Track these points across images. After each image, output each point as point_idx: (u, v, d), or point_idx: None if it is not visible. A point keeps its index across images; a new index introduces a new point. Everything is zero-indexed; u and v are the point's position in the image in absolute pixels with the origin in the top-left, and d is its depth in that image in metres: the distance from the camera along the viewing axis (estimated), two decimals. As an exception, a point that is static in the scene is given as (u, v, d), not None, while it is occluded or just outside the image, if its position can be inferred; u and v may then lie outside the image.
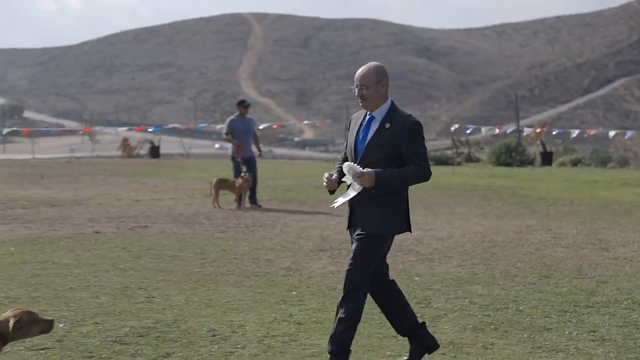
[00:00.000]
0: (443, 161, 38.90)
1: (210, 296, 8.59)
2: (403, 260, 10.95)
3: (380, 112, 5.82)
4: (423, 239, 12.86)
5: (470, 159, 40.46)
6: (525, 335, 7.04)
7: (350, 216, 5.96)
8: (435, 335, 6.97)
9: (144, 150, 47.62)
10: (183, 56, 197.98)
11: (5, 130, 54.42)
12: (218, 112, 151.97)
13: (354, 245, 5.80)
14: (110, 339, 6.78)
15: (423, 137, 5.83)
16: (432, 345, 6.10)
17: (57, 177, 27.28)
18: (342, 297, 5.79)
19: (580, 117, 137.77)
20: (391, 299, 6.10)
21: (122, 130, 49.19)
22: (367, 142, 5.79)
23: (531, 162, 36.48)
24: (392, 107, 5.85)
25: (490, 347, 6.68)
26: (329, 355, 5.82)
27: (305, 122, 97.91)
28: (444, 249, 11.87)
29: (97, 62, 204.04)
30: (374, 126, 5.80)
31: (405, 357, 6.10)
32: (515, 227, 14.33)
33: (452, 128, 37.46)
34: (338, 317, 5.80)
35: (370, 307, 8.07)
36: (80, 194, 20.59)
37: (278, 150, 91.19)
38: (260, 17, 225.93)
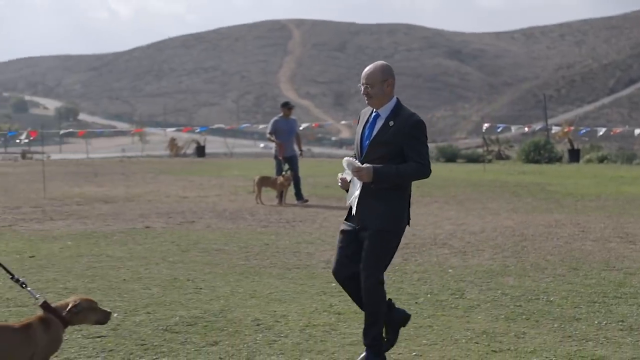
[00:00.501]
0: (474, 159, 38.66)
1: (255, 287, 8.60)
2: (437, 253, 10.89)
3: (385, 110, 5.73)
4: (456, 233, 12.78)
5: (500, 156, 40.17)
6: (555, 325, 6.97)
7: (351, 211, 5.84)
8: (469, 325, 6.94)
9: (191, 149, 47.86)
10: (227, 60, 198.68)
11: (62, 132, 54.92)
12: (260, 113, 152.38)
13: (365, 244, 5.69)
14: (161, 327, 6.81)
15: (425, 136, 5.70)
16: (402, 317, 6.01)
17: (109, 175, 27.50)
18: (364, 294, 5.73)
19: (606, 115, 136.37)
20: (356, 291, 5.88)
21: (170, 130, 49.44)
22: (371, 139, 5.71)
23: (559, 159, 36.12)
24: (398, 105, 5.75)
25: (522, 336, 6.62)
26: (365, 347, 5.80)
27: (342, 122, 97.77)
28: (477, 243, 11.79)
29: (147, 67, 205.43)
30: (379, 123, 5.72)
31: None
32: (545, 222, 14.20)
33: (483, 127, 37.21)
34: (365, 312, 5.78)
35: (407, 298, 8.06)
36: (132, 191, 20.73)
37: (316, 149, 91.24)
38: (299, 23, 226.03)
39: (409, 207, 5.84)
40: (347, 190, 5.88)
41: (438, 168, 32.27)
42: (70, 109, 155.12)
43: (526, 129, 41.80)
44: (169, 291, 8.33)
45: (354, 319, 7.12)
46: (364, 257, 5.70)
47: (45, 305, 4.95)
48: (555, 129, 41.35)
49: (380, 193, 5.62)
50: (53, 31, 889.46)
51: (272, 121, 18.10)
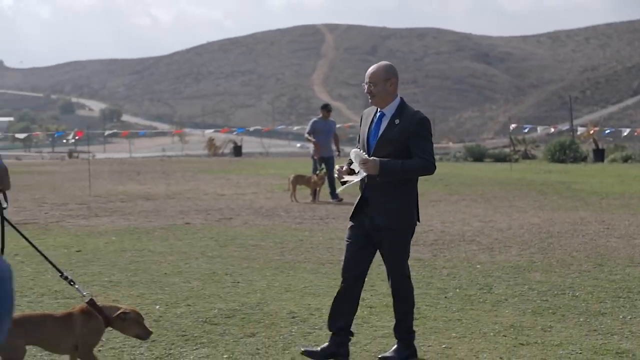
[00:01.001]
0: (501, 158, 38.41)
1: (290, 282, 8.61)
2: (465, 249, 10.83)
3: (390, 109, 5.68)
4: (484, 230, 12.71)
5: (526, 156, 39.83)
6: (581, 319, 6.91)
7: (360, 208, 5.75)
8: (497, 319, 6.90)
9: (228, 149, 48.02)
10: (262, 64, 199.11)
11: (107, 132, 55.42)
12: (294, 114, 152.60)
13: (384, 245, 5.68)
14: (200, 319, 6.85)
15: (430, 133, 5.64)
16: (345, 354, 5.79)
17: (151, 173, 27.69)
18: (395, 292, 5.76)
19: (630, 116, 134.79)
20: (354, 296, 5.82)
21: (209, 131, 49.71)
22: (378, 137, 5.65)
23: (584, 159, 35.76)
24: (402, 104, 5.69)
25: (549, 329, 6.57)
26: (396, 340, 5.80)
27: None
28: (504, 239, 11.71)
29: (186, 70, 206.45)
30: (385, 122, 5.66)
31: (323, 347, 5.79)
32: (570, 219, 14.07)
33: (511, 127, 36.97)
34: (399, 309, 5.79)
35: (437, 293, 8.02)
36: (172, 189, 20.86)
37: (347, 149, 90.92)
38: (332, 28, 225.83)
39: (418, 203, 5.79)
40: (344, 183, 5.85)
41: (466, 167, 32.12)
42: (114, 110, 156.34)
43: (552, 129, 41.43)
44: (208, 284, 8.37)
45: (386, 312, 7.11)
46: (387, 259, 5.74)
47: (91, 303, 4.99)
48: (580, 130, 40.98)
49: (390, 191, 5.57)
50: (98, 37, 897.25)
51: (311, 122, 18.15)
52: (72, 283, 5.10)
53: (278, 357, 5.81)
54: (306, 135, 18.24)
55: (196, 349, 6.00)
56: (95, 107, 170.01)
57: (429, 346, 6.07)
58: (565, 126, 45.64)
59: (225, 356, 5.80)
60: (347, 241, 5.84)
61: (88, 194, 18.90)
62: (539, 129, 38.80)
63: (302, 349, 5.76)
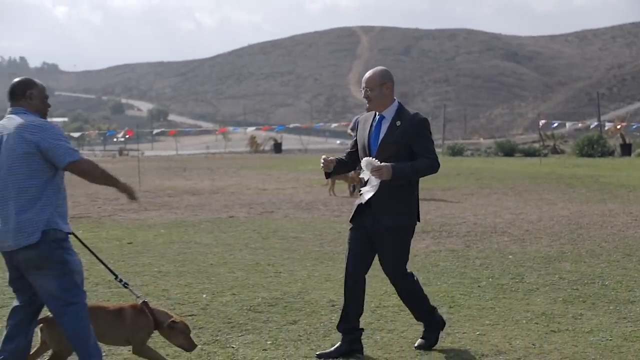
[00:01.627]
0: (531, 153, 37.99)
1: (329, 272, 8.61)
2: (497, 240, 10.74)
3: (389, 112, 5.56)
4: (515, 222, 12.59)
5: (555, 150, 39.34)
6: (611, 307, 6.82)
7: (361, 210, 5.56)
8: (529, 307, 6.83)
9: (269, 146, 48.11)
10: (301, 65, 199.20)
11: (155, 131, 55.89)
12: (330, 112, 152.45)
13: (383, 242, 5.51)
14: (245, 307, 6.87)
15: (430, 132, 5.55)
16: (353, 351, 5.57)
17: (196, 170, 27.85)
18: (393, 285, 5.66)
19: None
20: (359, 297, 5.61)
21: (250, 129, 49.72)
22: (380, 139, 5.52)
23: (611, 153, 35.23)
24: (400, 107, 5.58)
25: (580, 317, 6.49)
26: (422, 332, 5.75)
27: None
28: (534, 231, 11.59)
29: (228, 71, 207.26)
30: (385, 125, 5.54)
31: (335, 349, 5.57)
32: (599, 211, 13.89)
33: (540, 123, 36.58)
34: (409, 307, 5.75)
35: (470, 282, 7.97)
36: (216, 184, 20.96)
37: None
38: (367, 30, 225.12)
39: (419, 204, 5.66)
40: (327, 175, 5.84)
41: (497, 162, 31.84)
42: (161, 110, 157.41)
43: (580, 124, 40.92)
44: (252, 274, 8.39)
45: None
46: (385, 257, 5.55)
47: (145, 305, 5.03)
48: (607, 125, 40.42)
49: (393, 193, 5.44)
50: (146, 41, 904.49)
51: (354, 119, 18.11)
52: (126, 286, 5.11)
53: (319, 343, 5.81)
54: (349, 130, 18.24)
55: (241, 335, 6.03)
56: (144, 107, 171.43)
57: (463, 333, 6.03)
58: (593, 122, 45.02)
59: (269, 342, 5.81)
60: (349, 243, 5.66)
61: (138, 189, 19.02)
62: (568, 124, 38.28)
63: (317, 353, 5.55)
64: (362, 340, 5.64)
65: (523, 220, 12.76)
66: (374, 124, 5.61)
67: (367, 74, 5.60)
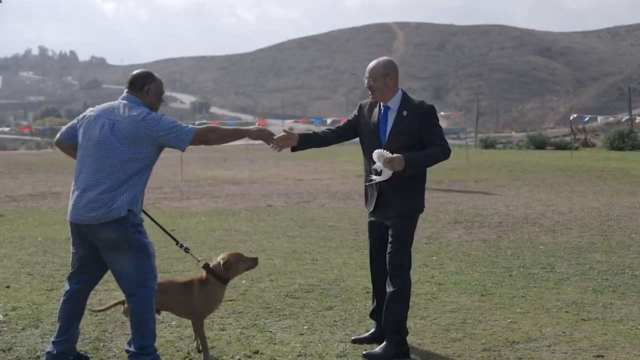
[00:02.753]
0: (562, 146, 37.61)
1: (364, 260, 8.57)
2: (529, 231, 10.64)
3: (394, 102, 5.32)
4: (546, 213, 12.46)
5: (586, 144, 38.85)
6: (640, 298, 6.71)
7: (378, 200, 5.38)
8: (559, 296, 6.76)
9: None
10: (338, 60, 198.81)
11: (197, 123, 56.31)
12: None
13: (390, 230, 5.28)
14: (283, 293, 6.89)
15: (437, 118, 5.31)
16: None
17: (236, 160, 27.97)
18: (389, 276, 5.27)
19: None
20: (383, 289, 5.40)
21: (288, 122, 49.82)
22: (389, 131, 5.27)
23: (642, 147, 34.75)
24: (405, 96, 5.33)
25: (609, 306, 6.40)
26: (386, 334, 5.24)
27: (441, 113, 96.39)
28: (565, 222, 11.46)
29: (268, 66, 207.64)
30: (392, 116, 5.30)
31: (370, 334, 5.47)
32: (629, 203, 13.69)
33: (571, 117, 36.15)
34: (388, 296, 5.24)
35: (502, 271, 7.90)
36: (255, 174, 21.04)
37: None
38: (403, 26, 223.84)
39: (424, 191, 5.43)
40: (292, 149, 5.65)
41: (528, 154, 31.53)
42: (203, 103, 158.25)
43: (611, 118, 40.35)
44: (289, 262, 8.41)
45: (453, 289, 7.04)
46: (390, 243, 5.28)
47: (205, 267, 5.09)
48: (638, 119, 39.80)
49: (403, 182, 5.21)
50: (189, 36, 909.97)
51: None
52: (187, 250, 5.28)
53: (354, 328, 5.80)
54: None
55: (279, 320, 6.04)
56: (186, 100, 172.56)
57: (495, 321, 5.98)
58: (624, 116, 44.33)
59: (305, 327, 5.82)
60: (369, 237, 5.57)
61: (180, 179, 19.20)
62: (599, 118, 37.78)
63: (352, 338, 5.48)
64: None
65: (554, 212, 12.62)
66: (380, 115, 5.37)
67: (371, 64, 5.37)
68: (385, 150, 5.17)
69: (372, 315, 5.60)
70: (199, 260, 5.17)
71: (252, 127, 5.08)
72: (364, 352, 5.15)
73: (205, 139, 4.81)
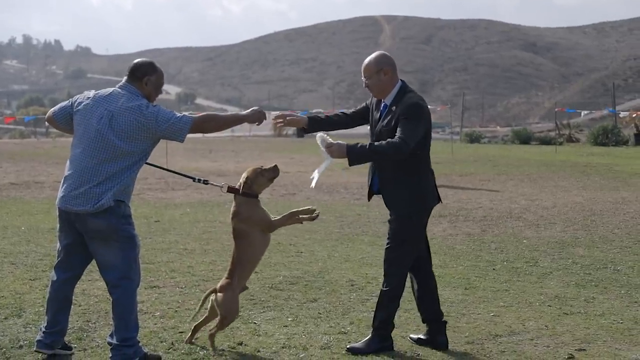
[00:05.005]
0: (546, 141, 37.77)
1: (349, 252, 8.61)
2: (512, 225, 10.69)
3: (389, 98, 5.11)
4: (530, 208, 12.52)
5: (570, 139, 39.04)
6: (623, 292, 6.76)
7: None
8: (542, 290, 6.81)
9: (291, 130, 48.12)
10: (324, 52, 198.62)
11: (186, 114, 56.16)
12: (352, 99, 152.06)
13: (389, 228, 5.20)
14: (267, 285, 6.89)
15: (418, 117, 4.94)
16: (442, 343, 5.19)
17: (222, 152, 27.92)
18: (384, 274, 5.19)
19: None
20: (426, 287, 5.33)
21: (274, 114, 49.79)
22: (377, 126, 5.14)
23: (625, 142, 34.94)
24: (400, 90, 5.10)
25: (592, 300, 6.45)
26: (371, 330, 5.15)
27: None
28: (549, 216, 11.52)
29: (254, 57, 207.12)
30: (384, 111, 5.12)
31: (421, 336, 5.31)
32: (612, 199, 13.78)
33: (555, 111, 36.34)
34: (380, 292, 5.18)
35: (485, 265, 7.94)
36: (241, 166, 20.99)
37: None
38: (390, 19, 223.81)
39: (434, 186, 5.19)
40: (303, 129, 5.43)
41: (513, 149, 31.65)
42: (189, 94, 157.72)
43: (597, 113, 40.60)
44: (274, 254, 8.40)
45: (438, 283, 7.04)
46: (389, 239, 5.16)
47: (230, 189, 5.20)
48: (623, 115, 40.04)
49: (398, 178, 5.08)
50: (175, 26, 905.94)
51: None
52: (206, 182, 5.42)
53: (338, 321, 5.81)
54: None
55: (263, 311, 6.04)
56: (172, 91, 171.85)
57: (478, 314, 6.01)
58: (608, 110, 44.58)
59: (289, 319, 5.83)
60: None
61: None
62: (583, 113, 37.97)
63: (410, 336, 5.33)
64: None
65: (538, 206, 12.68)
66: (381, 110, 5.21)
67: (365, 62, 5.16)
68: (326, 135, 5.04)
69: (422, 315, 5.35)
70: (222, 186, 5.24)
71: (246, 111, 5.03)
72: (347, 346, 5.13)
73: (202, 128, 4.80)
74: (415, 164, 5.08)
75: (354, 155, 4.91)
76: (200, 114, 4.88)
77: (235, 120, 4.97)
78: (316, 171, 5.25)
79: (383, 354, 5.03)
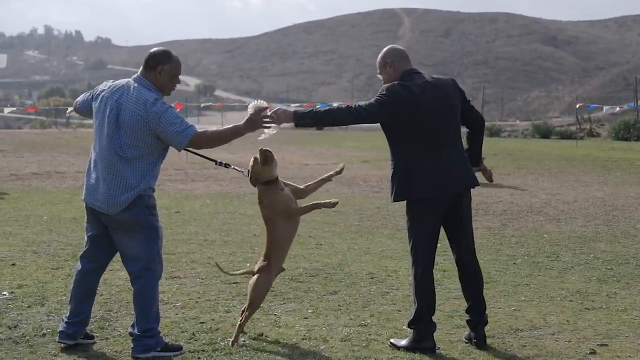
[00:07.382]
0: (567, 136, 37.51)
1: (368, 245, 8.60)
2: (533, 219, 10.64)
3: None
4: (551, 202, 12.45)
5: (591, 134, 38.72)
6: (645, 288, 6.71)
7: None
8: (564, 285, 6.77)
9: (311, 123, 48.19)
10: (343, 45, 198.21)
11: (202, 105, 56.40)
12: (371, 92, 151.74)
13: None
14: (287, 277, 6.89)
15: (383, 94, 4.88)
16: (481, 341, 5.05)
17: (241, 144, 27.87)
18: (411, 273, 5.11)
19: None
20: (470, 280, 5.36)
21: (293, 106, 49.89)
22: None
23: (647, 137, 34.66)
24: (401, 79, 5.04)
25: (613, 296, 6.40)
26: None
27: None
28: (570, 211, 11.45)
29: (273, 50, 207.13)
30: None
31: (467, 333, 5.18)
32: (634, 194, 13.67)
33: (577, 106, 36.05)
34: (411, 283, 5.14)
35: (506, 259, 7.90)
36: (260, 158, 21.02)
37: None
38: (409, 12, 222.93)
39: (432, 176, 5.00)
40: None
41: (533, 143, 31.47)
42: (208, 86, 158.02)
43: (617, 108, 40.20)
44: (294, 246, 8.34)
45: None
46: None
47: (252, 180, 5.28)
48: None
49: (391, 168, 5.09)
50: (195, 18, 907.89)
51: None
52: (227, 166, 5.48)
53: (358, 313, 5.81)
54: None
55: (283, 303, 6.05)
56: (191, 82, 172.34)
57: (499, 308, 5.99)
58: (629, 105, 44.18)
59: (310, 311, 5.83)
60: None
61: (185, 161, 19.20)
62: (605, 108, 37.62)
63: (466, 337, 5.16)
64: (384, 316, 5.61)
65: (559, 201, 12.61)
66: None
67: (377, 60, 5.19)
68: (260, 100, 4.96)
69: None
70: (243, 171, 5.34)
71: (240, 123, 4.79)
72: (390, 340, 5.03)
73: (202, 145, 4.68)
74: (400, 152, 5.04)
75: (301, 115, 4.97)
76: (204, 131, 4.69)
77: (235, 134, 4.78)
78: (265, 135, 5.08)
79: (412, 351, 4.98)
